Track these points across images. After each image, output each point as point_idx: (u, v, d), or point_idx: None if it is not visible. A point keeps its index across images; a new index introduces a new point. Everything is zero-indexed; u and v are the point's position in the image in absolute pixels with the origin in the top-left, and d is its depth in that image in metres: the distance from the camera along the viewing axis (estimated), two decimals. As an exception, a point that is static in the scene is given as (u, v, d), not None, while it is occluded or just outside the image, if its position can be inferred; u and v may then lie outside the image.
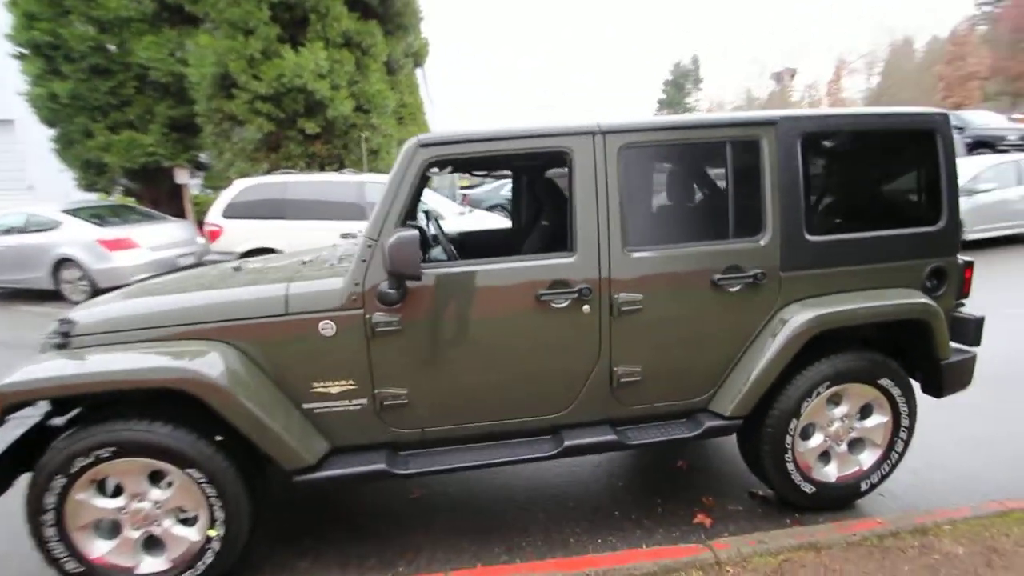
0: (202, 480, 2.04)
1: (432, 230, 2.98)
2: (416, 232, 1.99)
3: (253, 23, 9.49)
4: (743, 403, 2.40)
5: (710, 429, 2.41)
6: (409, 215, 2.17)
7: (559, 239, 2.38)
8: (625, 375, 2.36)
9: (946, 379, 2.63)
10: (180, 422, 2.05)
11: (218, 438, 2.11)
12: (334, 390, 2.19)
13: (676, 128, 2.31)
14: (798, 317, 2.38)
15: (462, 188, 16.84)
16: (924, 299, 2.50)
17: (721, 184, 2.38)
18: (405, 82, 12.80)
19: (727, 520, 2.59)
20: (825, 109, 2.43)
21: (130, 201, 12.28)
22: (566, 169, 2.26)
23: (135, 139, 11.30)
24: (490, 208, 12.04)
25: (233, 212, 7.75)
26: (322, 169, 10.29)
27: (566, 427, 2.40)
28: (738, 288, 2.38)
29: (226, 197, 7.89)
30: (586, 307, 2.27)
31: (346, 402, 2.21)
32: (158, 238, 8.70)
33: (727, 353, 2.45)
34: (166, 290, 2.42)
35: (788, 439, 2.49)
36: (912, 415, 2.60)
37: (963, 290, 2.72)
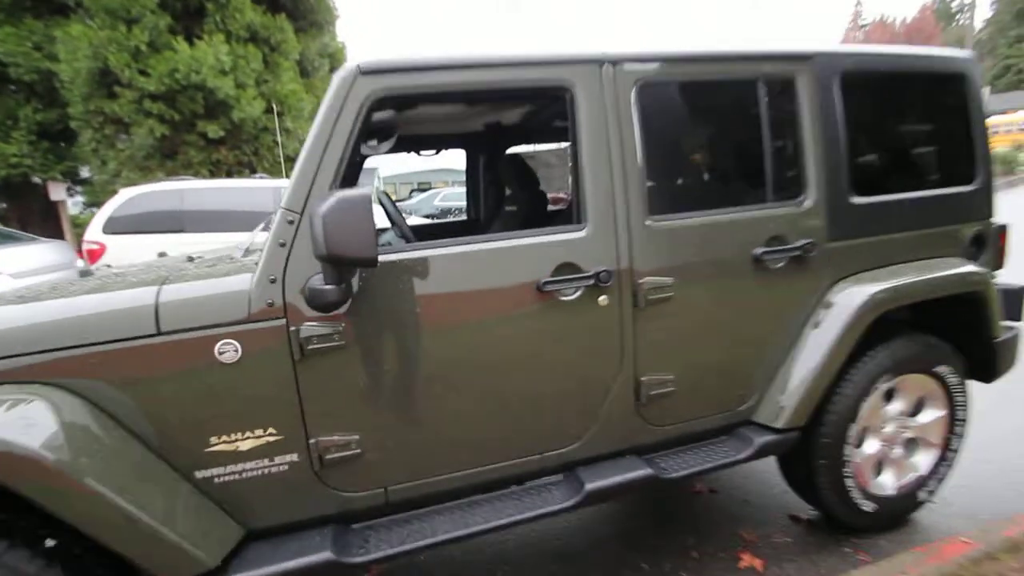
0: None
1: (387, 207, 2.24)
2: (368, 190, 1.30)
3: (137, 11, 8.23)
4: (799, 410, 1.89)
5: (764, 447, 1.87)
6: (348, 176, 1.47)
7: (532, 224, 1.78)
8: (654, 386, 1.77)
9: (999, 360, 2.26)
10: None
11: (50, 543, 1.29)
12: (245, 445, 1.43)
13: (701, 60, 1.77)
14: (855, 296, 1.91)
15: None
16: (979, 269, 2.12)
17: (754, 133, 1.87)
18: (322, 85, 11.79)
19: (779, 558, 2.06)
20: (861, 46, 1.94)
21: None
22: (567, 111, 1.65)
23: (-7, 149, 9.52)
24: (426, 217, 11.27)
25: (117, 227, 6.51)
26: (229, 176, 9.10)
27: (581, 463, 1.77)
28: (782, 264, 1.88)
29: (107, 209, 6.63)
30: (603, 298, 1.67)
31: (265, 461, 1.45)
32: (22, 263, 7.16)
33: (773, 348, 1.93)
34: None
35: (846, 449, 2.01)
36: (967, 406, 2.21)
37: (999, 258, 2.39)
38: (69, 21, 8.70)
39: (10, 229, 8.68)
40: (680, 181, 1.96)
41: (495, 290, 1.58)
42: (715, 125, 2.00)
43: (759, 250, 1.82)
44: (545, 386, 1.67)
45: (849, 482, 2.04)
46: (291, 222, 1.43)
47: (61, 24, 8.79)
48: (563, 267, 1.63)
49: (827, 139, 1.91)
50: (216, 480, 1.43)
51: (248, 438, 1.43)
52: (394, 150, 2.77)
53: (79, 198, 11.98)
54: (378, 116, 1.70)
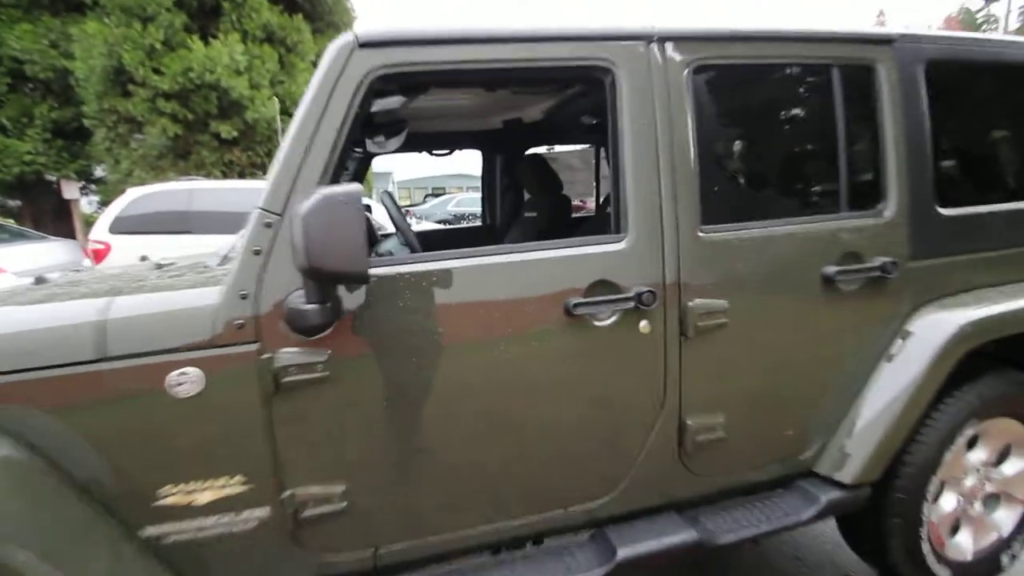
0: None
1: (390, 209, 1.96)
2: (358, 187, 1.03)
3: (153, 9, 8.14)
4: (873, 462, 1.58)
5: (830, 506, 1.56)
6: (338, 168, 1.20)
7: (552, 234, 1.51)
8: (702, 431, 1.48)
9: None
10: None
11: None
12: (204, 497, 1.16)
13: (767, 39, 1.49)
14: (942, 327, 1.60)
15: (403, 206, 15.77)
16: (1083, 295, 1.80)
17: (827, 129, 1.57)
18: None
19: (842, 635, 1.74)
20: (952, 32, 1.61)
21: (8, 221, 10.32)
22: (604, 98, 1.38)
23: (8, 146, 9.48)
24: (439, 223, 11.04)
25: (123, 226, 6.34)
26: (241, 177, 8.97)
27: (611, 521, 1.48)
28: (856, 287, 1.57)
29: (115, 209, 6.48)
30: (644, 324, 1.38)
31: (228, 517, 1.18)
32: (30, 261, 7.06)
33: (841, 385, 1.63)
34: None
35: (924, 506, 1.70)
36: (1060, 455, 1.88)
37: None
38: (86, 19, 8.63)
39: (20, 227, 8.62)
40: (739, 184, 1.66)
41: (515, 312, 1.30)
42: (781, 118, 1.70)
43: (831, 269, 1.52)
44: (572, 428, 1.39)
45: (924, 545, 1.72)
46: (269, 225, 1.16)
47: (78, 21, 8.74)
48: (598, 285, 1.34)
49: (910, 138, 1.61)
50: (167, 540, 1.16)
51: (208, 488, 1.16)
52: (404, 149, 2.51)
53: (93, 197, 11.95)
54: (381, 102, 1.44)
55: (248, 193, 6.59)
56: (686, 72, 1.40)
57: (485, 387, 1.30)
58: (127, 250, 6.23)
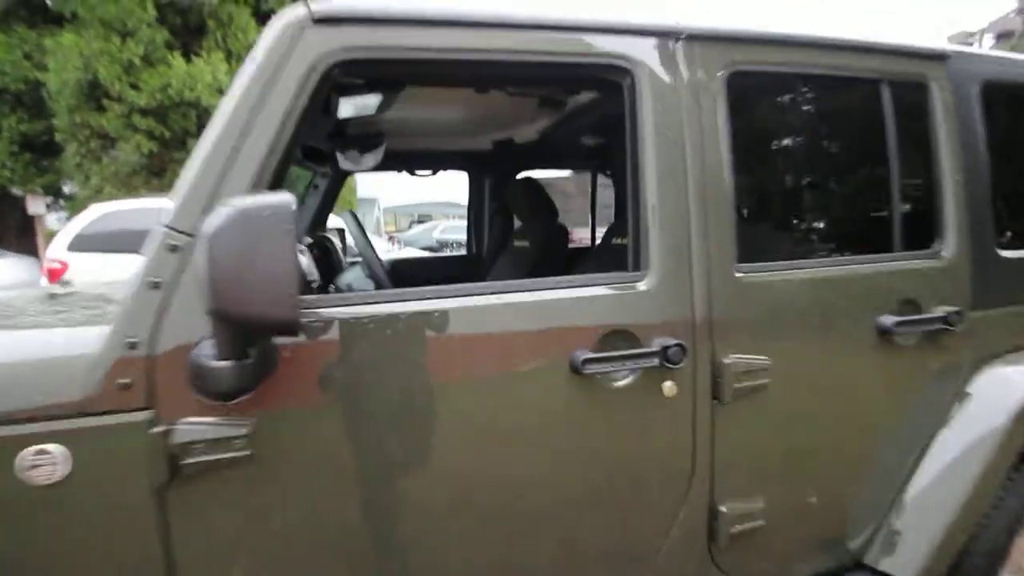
0: None
1: (343, 237, 1.65)
2: (288, 198, 0.74)
3: (134, 24, 7.89)
4: (938, 555, 1.29)
5: (890, 613, 1.26)
6: (275, 181, 0.90)
7: (546, 267, 1.23)
8: (737, 519, 1.17)
9: None
10: None
11: None
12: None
13: (813, 45, 1.25)
14: (1013, 388, 1.34)
15: (388, 232, 15.45)
16: None
17: (877, 153, 1.33)
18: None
19: None
20: (1007, 53, 1.39)
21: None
22: (624, 103, 1.12)
23: (-29, 158, 9.04)
24: (423, 250, 10.74)
25: (84, 244, 5.94)
26: (217, 198, 8.61)
27: (622, 634, 1.16)
28: (915, 341, 1.31)
29: (75, 226, 6.08)
30: (669, 385, 1.09)
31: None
32: (-19, 279, 6.62)
33: (895, 457, 1.35)
34: None
35: (991, 606, 1.41)
36: None
37: None
38: (63, 31, 8.36)
39: (-23, 243, 8.14)
40: (781, 214, 1.41)
41: (505, 370, 1.00)
42: (825, 139, 1.46)
43: (889, 320, 1.26)
44: (578, 519, 1.08)
45: (993, 653, 1.43)
46: (175, 249, 0.86)
47: (55, 34, 8.45)
48: (613, 336, 1.05)
49: (968, 168, 1.38)
50: None
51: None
52: (382, 167, 2.24)
53: (63, 213, 11.46)
54: (346, 102, 1.17)
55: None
56: (719, 78, 1.15)
57: (463, 468, 0.99)
58: (86, 270, 5.82)
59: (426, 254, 7.05)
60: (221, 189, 0.87)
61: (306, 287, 1.07)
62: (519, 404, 1.01)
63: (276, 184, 0.89)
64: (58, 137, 8.80)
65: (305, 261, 1.16)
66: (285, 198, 0.72)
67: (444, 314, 0.96)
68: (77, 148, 8.70)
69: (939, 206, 1.37)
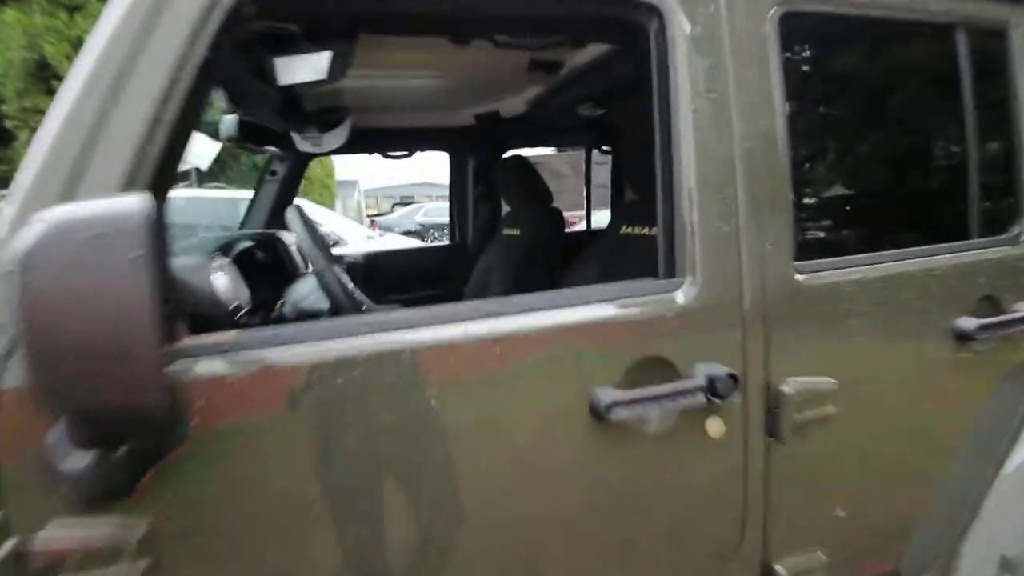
0: None
1: (298, 234, 1.32)
2: (142, 203, 0.47)
3: (81, -2, 7.31)
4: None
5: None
6: (164, 169, 0.62)
7: (540, 260, 0.98)
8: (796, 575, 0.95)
9: None
10: None
11: None
12: None
13: None
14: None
15: (369, 216, 14.98)
16: None
17: (951, 118, 1.09)
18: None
19: None
20: None
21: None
22: (648, 54, 0.85)
23: (-87, 148, 8.40)
24: (405, 234, 10.38)
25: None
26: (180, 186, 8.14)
27: None
28: (993, 344, 1.09)
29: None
30: (714, 423, 0.85)
31: None
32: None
33: (965, 482, 1.14)
34: None
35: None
36: None
37: None
38: (4, 7, 7.73)
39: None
40: (844, 198, 1.15)
41: (506, 430, 0.75)
42: (896, 102, 1.20)
43: (970, 323, 1.02)
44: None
45: None
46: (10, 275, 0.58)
47: (-4, 11, 7.82)
48: (643, 366, 0.80)
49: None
50: None
51: None
52: (350, 149, 1.95)
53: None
54: (287, 62, 0.89)
55: (195, 204, 5.85)
56: (770, 19, 0.89)
57: (468, 550, 0.75)
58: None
59: (408, 242, 6.72)
60: (81, 182, 0.59)
61: (228, 316, 0.80)
62: (528, 464, 0.76)
63: (165, 178, 0.62)
64: (8, 124, 8.22)
65: (223, 281, 0.88)
66: (133, 204, 0.45)
67: (419, 352, 0.70)
68: (29, 135, 8.14)
69: (1020, 181, 1.13)
